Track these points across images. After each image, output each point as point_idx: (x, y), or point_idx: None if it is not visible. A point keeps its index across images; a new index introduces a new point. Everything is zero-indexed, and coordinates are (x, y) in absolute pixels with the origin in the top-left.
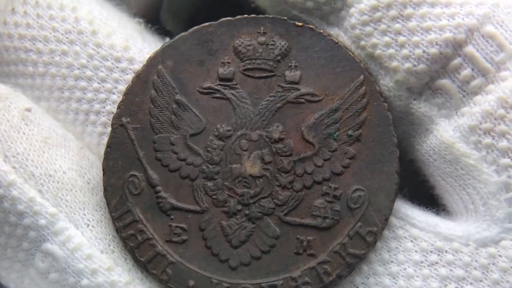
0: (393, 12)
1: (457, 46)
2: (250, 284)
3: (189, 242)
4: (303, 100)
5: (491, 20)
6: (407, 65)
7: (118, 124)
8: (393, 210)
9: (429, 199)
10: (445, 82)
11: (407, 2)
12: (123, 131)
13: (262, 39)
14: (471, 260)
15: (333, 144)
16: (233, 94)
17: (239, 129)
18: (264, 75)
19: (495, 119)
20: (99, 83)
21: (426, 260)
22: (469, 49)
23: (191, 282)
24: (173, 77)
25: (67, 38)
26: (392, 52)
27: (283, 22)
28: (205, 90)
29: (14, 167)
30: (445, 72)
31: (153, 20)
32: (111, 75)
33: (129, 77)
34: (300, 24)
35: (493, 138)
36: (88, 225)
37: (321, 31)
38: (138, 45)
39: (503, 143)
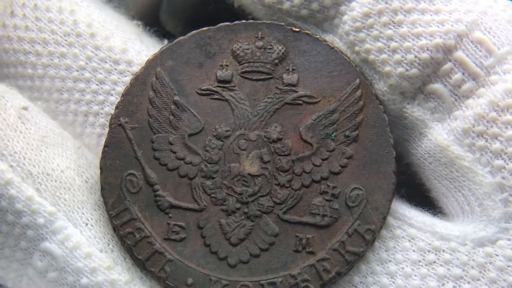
0: (384, 19)
1: (447, 51)
2: (249, 281)
3: (188, 240)
4: (300, 102)
5: (479, 26)
6: (400, 69)
7: (116, 124)
8: (391, 210)
9: (426, 202)
10: (437, 86)
11: (398, 9)
12: (121, 131)
13: (260, 43)
14: (469, 259)
15: (331, 144)
16: (231, 95)
17: (238, 129)
18: (262, 77)
19: (488, 122)
20: (97, 85)
21: (424, 260)
22: (459, 54)
23: (190, 280)
24: (171, 79)
25: (65, 40)
26: (385, 57)
27: (281, 27)
28: (203, 92)
29: (11, 166)
30: (436, 76)
31: (151, 22)
32: (109, 77)
33: (127, 79)
34: (297, 29)
35: (486, 141)
36: (86, 224)
37: (318, 36)
38: (136, 47)
39: (496, 145)
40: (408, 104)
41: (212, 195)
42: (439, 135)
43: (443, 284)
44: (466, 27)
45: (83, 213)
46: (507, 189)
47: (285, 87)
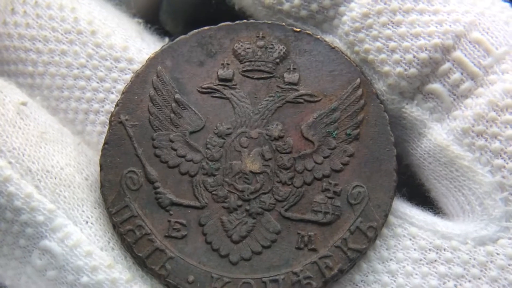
0: (383, 19)
1: (445, 51)
2: (251, 279)
3: (189, 237)
4: (302, 100)
5: (477, 27)
6: (398, 69)
7: (116, 121)
8: (392, 209)
9: (426, 202)
10: (435, 86)
11: (396, 9)
12: (122, 128)
13: (261, 43)
14: (470, 258)
15: (332, 142)
16: (232, 94)
17: (239, 127)
18: (263, 76)
19: (487, 121)
20: (98, 83)
21: (425, 258)
22: (457, 54)
23: (191, 277)
24: (172, 77)
25: (66, 38)
26: (384, 57)
27: (282, 27)
28: (204, 90)
29: (10, 162)
30: (435, 76)
31: (152, 20)
32: (110, 75)
33: (128, 77)
34: (298, 29)
35: (486, 140)
36: (87, 222)
37: (318, 36)
38: (137, 45)
39: (496, 145)
40: (407, 104)
41: (213, 192)
42: (439, 135)
43: (444, 283)
44: (464, 27)
45: (83, 211)
46: (507, 188)
47: (286, 86)
